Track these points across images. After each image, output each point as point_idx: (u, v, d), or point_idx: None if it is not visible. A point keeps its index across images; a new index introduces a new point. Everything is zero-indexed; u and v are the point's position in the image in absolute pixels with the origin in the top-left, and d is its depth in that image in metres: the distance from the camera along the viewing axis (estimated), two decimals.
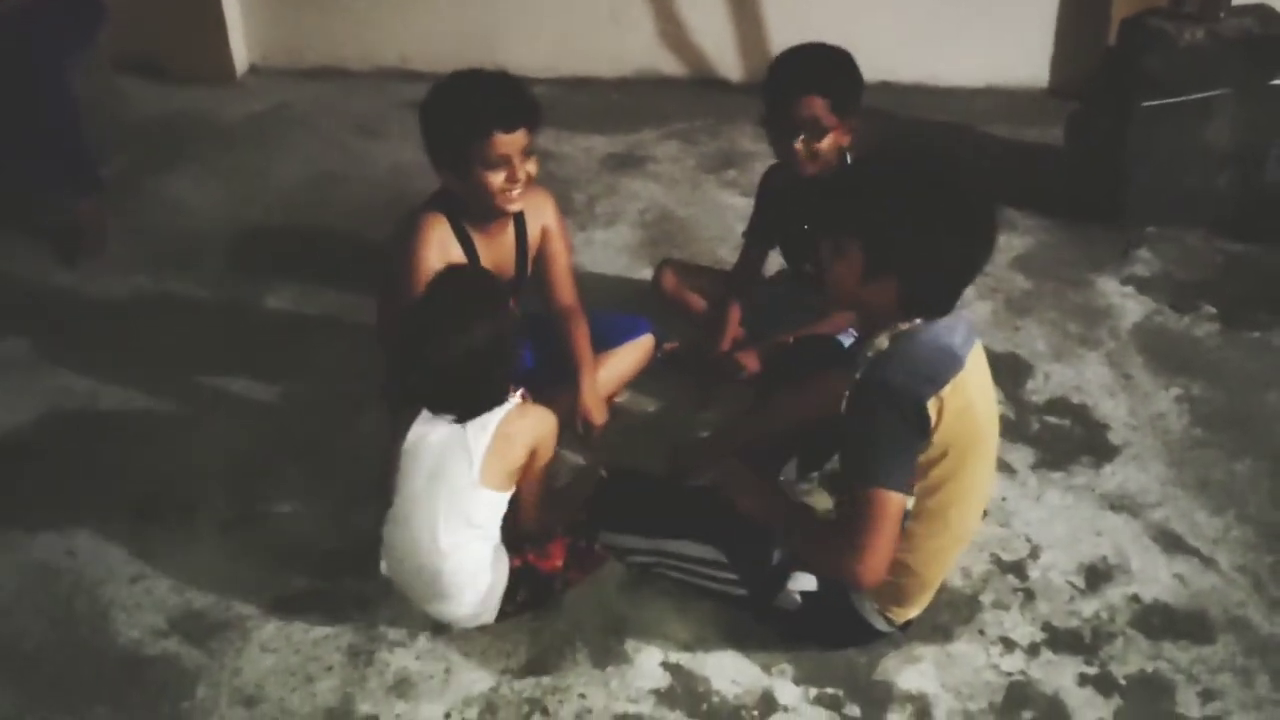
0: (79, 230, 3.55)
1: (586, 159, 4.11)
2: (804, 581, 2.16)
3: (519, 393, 2.43)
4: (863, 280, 1.98)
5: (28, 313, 3.32)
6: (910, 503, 2.03)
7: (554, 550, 2.30)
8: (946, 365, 1.96)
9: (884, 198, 1.96)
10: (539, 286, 2.75)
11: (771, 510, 2.20)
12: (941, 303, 2.00)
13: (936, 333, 1.99)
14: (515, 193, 2.48)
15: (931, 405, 1.93)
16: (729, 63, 4.66)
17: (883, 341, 1.99)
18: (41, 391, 2.97)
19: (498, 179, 2.45)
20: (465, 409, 2.15)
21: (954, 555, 2.17)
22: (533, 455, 2.21)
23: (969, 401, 1.97)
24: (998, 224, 2.01)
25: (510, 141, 2.42)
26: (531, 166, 2.50)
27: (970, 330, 2.05)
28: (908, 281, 1.95)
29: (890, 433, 1.95)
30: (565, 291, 2.74)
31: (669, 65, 4.69)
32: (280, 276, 3.42)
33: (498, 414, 2.13)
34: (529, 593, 2.27)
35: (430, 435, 2.16)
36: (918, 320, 1.98)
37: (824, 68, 2.60)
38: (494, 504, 2.16)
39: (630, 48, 4.66)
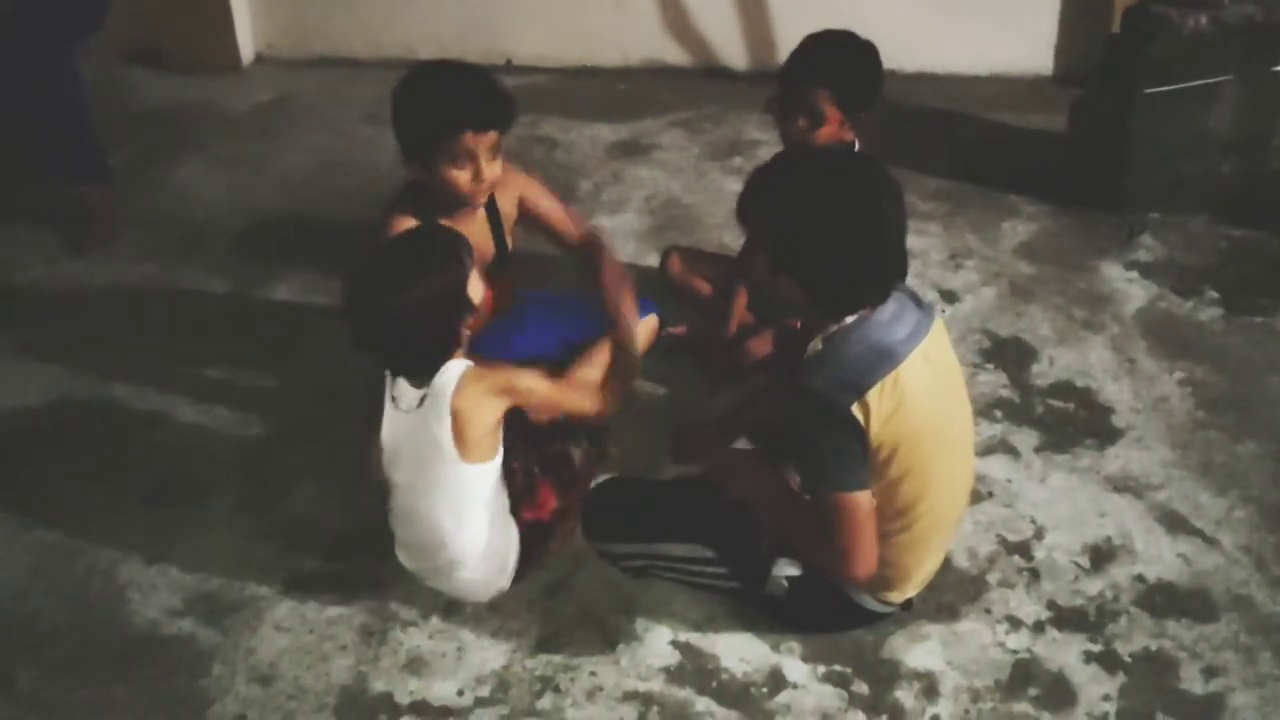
0: (88, 218, 3.57)
1: (592, 147, 4.13)
2: (788, 566, 2.18)
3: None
4: (770, 275, 2.00)
5: (37, 300, 3.35)
6: (873, 502, 2.05)
7: (544, 496, 2.33)
8: (874, 367, 1.93)
9: (780, 199, 1.97)
10: (550, 237, 2.73)
11: (767, 500, 2.19)
12: (852, 301, 1.97)
13: (870, 331, 1.96)
14: (482, 188, 2.46)
15: (856, 410, 1.91)
16: (734, 52, 4.67)
17: (817, 344, 2.00)
18: (52, 377, 2.99)
19: (463, 176, 2.42)
20: (408, 363, 2.13)
21: (934, 544, 2.16)
22: (526, 401, 2.18)
23: (902, 400, 1.93)
24: (899, 229, 1.97)
25: (479, 141, 2.40)
26: (498, 167, 2.46)
27: (921, 323, 2.01)
28: (805, 281, 1.96)
29: (828, 439, 1.95)
30: (570, 229, 2.70)
31: (674, 54, 4.71)
32: (287, 264, 3.45)
33: (448, 391, 2.08)
34: (540, 547, 2.31)
35: (399, 428, 2.17)
36: (849, 319, 1.97)
37: (837, 61, 2.60)
38: (483, 475, 2.14)
39: (635, 37, 4.68)
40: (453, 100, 2.39)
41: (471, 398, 2.09)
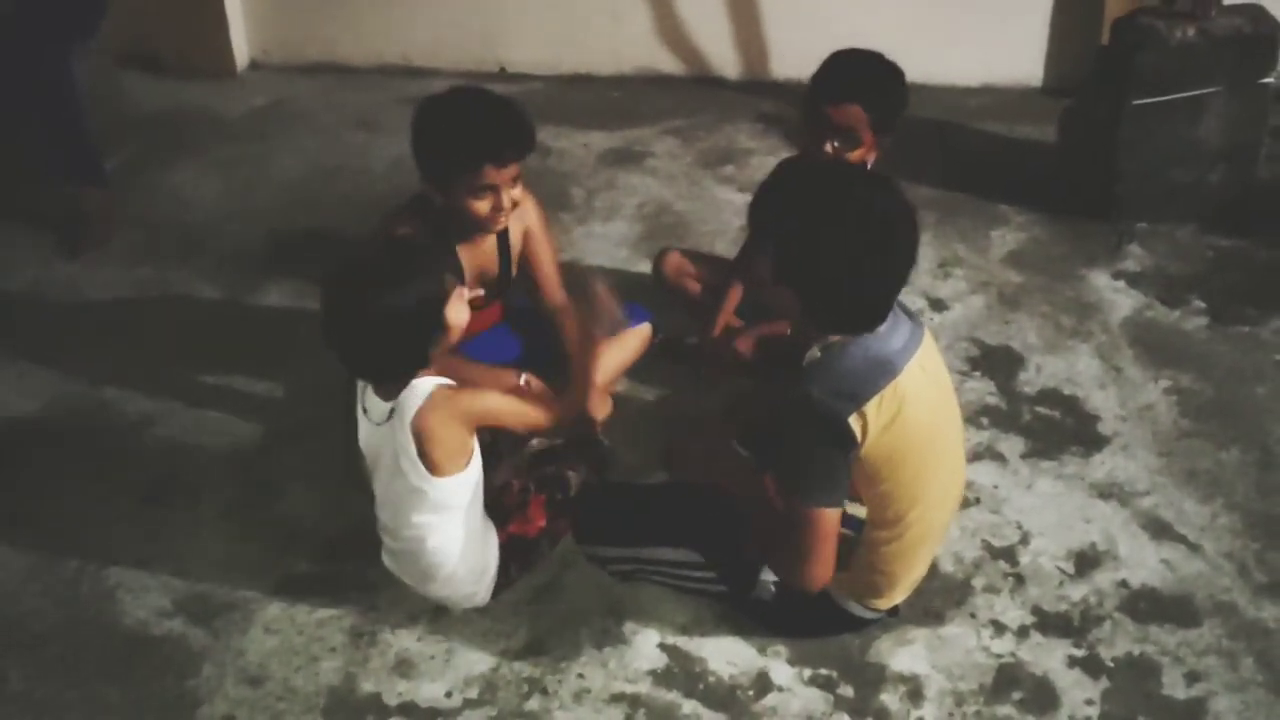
0: (84, 220, 3.58)
1: (585, 154, 4.15)
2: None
3: (523, 379, 2.49)
4: (772, 283, 2.00)
5: (32, 302, 3.37)
6: (863, 510, 2.07)
7: (534, 514, 2.34)
8: (873, 379, 1.94)
9: (788, 215, 1.96)
10: (528, 287, 2.76)
11: (741, 491, 2.21)
12: (848, 324, 1.97)
13: (869, 342, 1.96)
14: (501, 218, 2.47)
15: (853, 421, 1.92)
16: (727, 61, 4.69)
17: (815, 353, 2.00)
18: (46, 380, 3.01)
19: (483, 206, 2.43)
20: (371, 371, 2.13)
21: (922, 552, 2.17)
22: (494, 422, 2.18)
23: (899, 411, 1.94)
24: (909, 258, 1.97)
25: (500, 174, 2.40)
26: (517, 192, 2.47)
27: (915, 333, 2.03)
28: (806, 298, 1.96)
29: (815, 450, 1.95)
30: (553, 291, 2.73)
31: (668, 63, 4.73)
32: (280, 269, 3.46)
33: (411, 411, 2.06)
34: (520, 562, 2.32)
35: (372, 436, 2.18)
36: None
37: (875, 81, 2.57)
38: (456, 486, 2.13)
39: (630, 45, 4.70)
40: (474, 134, 2.38)
41: (436, 420, 2.07)
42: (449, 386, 2.12)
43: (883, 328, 1.98)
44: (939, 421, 2.08)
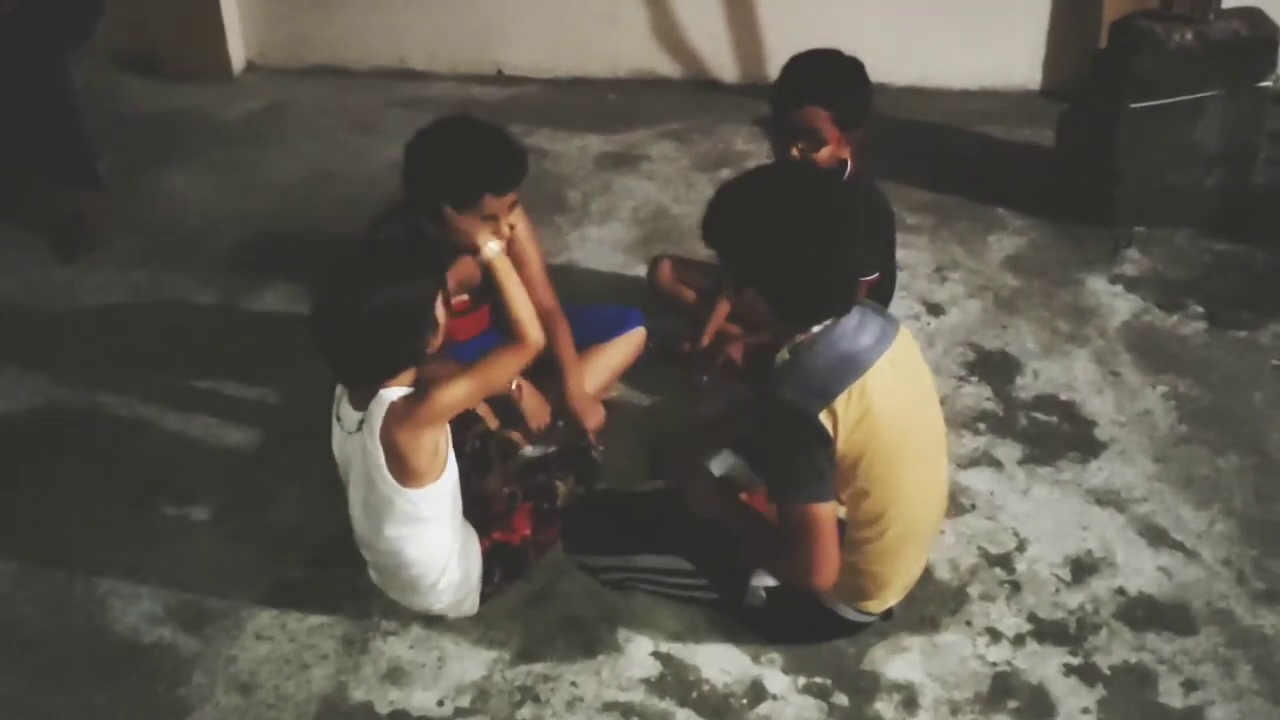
0: (80, 224, 3.57)
1: (582, 157, 4.14)
2: (766, 577, 2.19)
3: (513, 384, 2.48)
4: (736, 290, 2.03)
5: (26, 305, 3.35)
6: (843, 511, 2.06)
7: (519, 522, 2.33)
8: (841, 375, 1.95)
9: (738, 218, 2.00)
10: None
11: (728, 518, 2.20)
12: (816, 312, 1.99)
13: (835, 340, 1.98)
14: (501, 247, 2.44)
15: (825, 418, 1.93)
16: (724, 64, 4.69)
17: (784, 354, 2.02)
18: (39, 383, 3.00)
19: (483, 233, 2.39)
20: (359, 370, 2.10)
21: (908, 553, 2.16)
22: (459, 408, 2.14)
23: (869, 406, 1.95)
24: (853, 239, 1.99)
25: (499, 203, 2.39)
26: (514, 218, 2.45)
27: (886, 331, 2.04)
28: (768, 294, 1.98)
29: (796, 449, 1.96)
30: (541, 294, 2.70)
31: (665, 66, 4.72)
32: (276, 272, 3.45)
33: (379, 420, 2.04)
34: (505, 569, 2.31)
35: (345, 445, 2.16)
36: (815, 329, 1.99)
37: (832, 80, 2.58)
38: (426, 498, 2.11)
39: (627, 48, 4.69)
40: (473, 166, 2.37)
41: (403, 434, 2.04)
42: (408, 395, 2.07)
43: (851, 325, 2.00)
44: (912, 418, 2.07)
